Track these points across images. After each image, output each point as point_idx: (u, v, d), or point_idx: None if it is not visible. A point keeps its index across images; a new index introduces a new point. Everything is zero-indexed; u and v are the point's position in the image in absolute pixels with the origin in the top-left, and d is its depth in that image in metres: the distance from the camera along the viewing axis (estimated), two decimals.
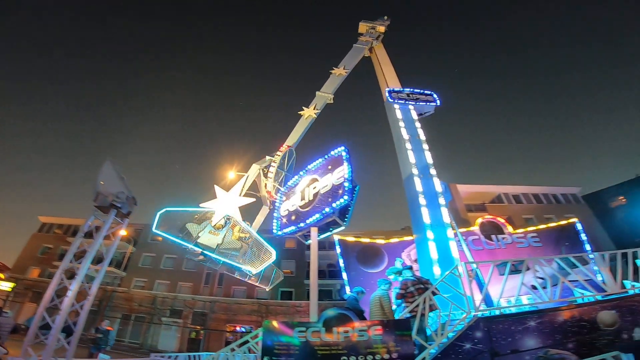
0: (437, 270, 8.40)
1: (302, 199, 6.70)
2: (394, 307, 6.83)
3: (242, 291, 27.20)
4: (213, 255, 8.31)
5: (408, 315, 5.84)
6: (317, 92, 13.10)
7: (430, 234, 9.23)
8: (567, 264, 6.73)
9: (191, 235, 8.41)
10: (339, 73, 13.61)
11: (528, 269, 6.69)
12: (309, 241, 6.36)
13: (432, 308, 5.79)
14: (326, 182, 6.32)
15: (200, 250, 8.29)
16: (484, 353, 4.99)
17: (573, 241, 12.56)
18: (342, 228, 6.26)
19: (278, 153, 12.15)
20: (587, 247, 12.44)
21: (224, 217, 8.21)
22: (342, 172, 6.05)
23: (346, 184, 5.82)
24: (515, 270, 6.52)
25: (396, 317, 6.46)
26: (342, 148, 6.56)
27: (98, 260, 6.90)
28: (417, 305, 5.67)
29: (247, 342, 6.19)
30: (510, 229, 13.27)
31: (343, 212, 6.13)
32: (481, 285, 6.92)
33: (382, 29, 15.80)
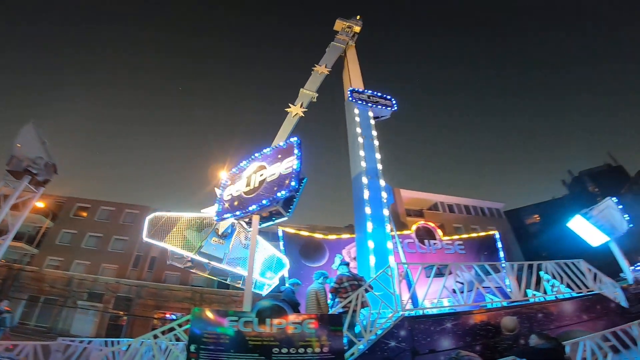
0: (373, 268, 8.76)
1: (248, 185, 6.51)
2: (329, 301, 7.00)
3: (175, 277, 25.83)
4: (221, 266, 8.03)
5: (341, 310, 6.02)
6: (301, 90, 12.69)
7: (370, 234, 9.60)
8: (483, 271, 7.44)
9: (192, 245, 7.82)
10: (322, 71, 13.44)
11: (450, 273, 7.28)
12: (250, 229, 6.21)
13: (363, 305, 6.04)
14: (274, 170, 6.21)
15: (206, 261, 7.82)
16: (406, 351, 5.26)
17: (491, 251, 13.93)
18: (285, 219, 6.21)
19: None
20: (502, 257, 13.93)
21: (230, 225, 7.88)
22: (292, 163, 6.00)
23: (294, 175, 5.77)
24: (440, 274, 7.04)
25: (330, 311, 6.63)
26: (295, 139, 6.50)
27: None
28: (350, 301, 5.86)
29: (173, 329, 5.85)
30: (441, 235, 14.32)
31: (288, 203, 6.09)
32: (410, 286, 7.37)
33: (357, 29, 16.01)
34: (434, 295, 6.80)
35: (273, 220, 6.35)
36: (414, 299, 7.53)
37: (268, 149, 7.01)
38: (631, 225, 10.71)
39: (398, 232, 12.27)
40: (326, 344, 4.56)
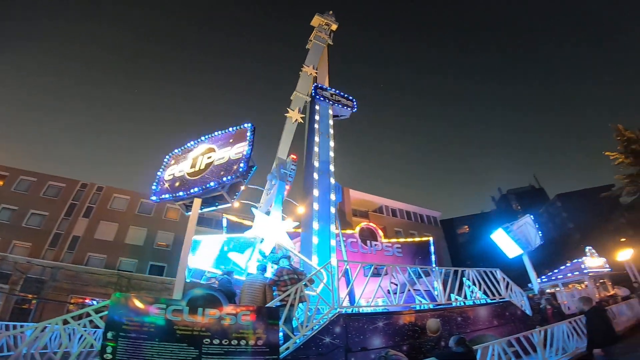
0: (315, 264, 8.84)
1: (193, 166, 6.12)
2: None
3: (100, 259, 23.56)
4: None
5: (278, 303, 5.94)
6: (295, 93, 12.38)
7: (316, 229, 9.68)
8: (416, 275, 7.91)
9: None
10: (310, 72, 13.30)
11: (386, 274, 7.59)
12: (189, 212, 5.84)
13: (302, 299, 6.02)
14: (223, 154, 5.91)
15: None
16: (339, 348, 5.34)
17: (424, 256, 14.87)
18: (229, 205, 5.97)
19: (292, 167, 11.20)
20: (433, 262, 14.97)
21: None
22: (242, 148, 5.76)
23: (243, 161, 5.55)
24: (377, 274, 7.29)
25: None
26: (249, 125, 6.27)
27: None
28: (289, 295, 5.82)
29: (88, 315, 5.27)
30: (382, 237, 14.96)
31: (234, 189, 5.85)
32: (348, 284, 7.55)
33: (334, 27, 15.94)
34: (369, 295, 7.02)
35: (216, 206, 6.05)
36: (351, 296, 7.73)
37: (219, 132, 6.67)
38: (542, 241, 12.23)
39: (342, 231, 12.56)
40: (262, 337, 4.45)
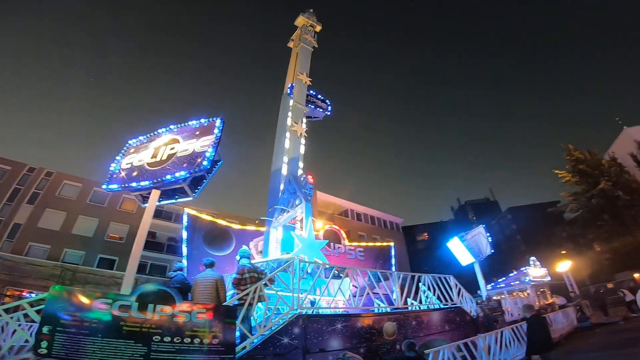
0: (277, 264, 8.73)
1: (154, 156, 5.81)
2: (229, 292, 6.67)
3: (43, 250, 21.66)
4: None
5: (236, 302, 5.80)
6: (294, 104, 12.28)
7: (280, 228, 9.60)
8: (375, 278, 8.07)
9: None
10: (305, 81, 13.18)
11: (347, 276, 7.69)
12: (146, 204, 5.54)
13: (261, 299, 5.93)
14: (188, 146, 5.67)
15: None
16: (298, 349, 5.29)
17: (385, 260, 15.31)
18: (190, 199, 5.73)
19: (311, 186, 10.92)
20: (393, 267, 15.44)
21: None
22: (209, 142, 5.57)
23: (208, 155, 5.37)
24: (338, 276, 7.36)
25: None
26: (219, 119, 6.08)
27: None
28: (248, 294, 5.70)
29: (23, 308, 4.82)
30: (346, 241, 15.17)
31: (196, 183, 5.64)
32: (309, 285, 7.54)
33: (318, 28, 15.82)
34: (329, 296, 7.08)
35: (176, 199, 5.80)
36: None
37: (185, 123, 6.40)
38: (493, 251, 13.04)
39: None
40: (218, 335, 4.37)
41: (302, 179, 10.53)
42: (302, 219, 9.32)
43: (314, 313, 6.51)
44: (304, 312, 5.92)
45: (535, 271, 16.91)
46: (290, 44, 15.38)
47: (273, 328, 5.49)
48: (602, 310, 16.41)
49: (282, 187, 10.21)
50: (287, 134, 11.31)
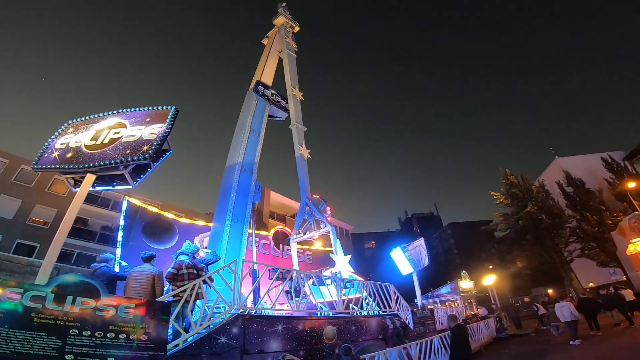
0: (222, 261, 8.48)
1: (94, 139, 5.31)
2: (166, 287, 6.32)
3: None
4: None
5: (171, 299, 5.52)
6: (296, 125, 12.66)
7: (228, 225, 9.32)
8: (319, 282, 8.19)
9: None
10: (299, 96, 13.18)
11: (292, 279, 7.70)
12: (77, 188, 5.04)
13: (199, 296, 5.71)
14: (135, 132, 5.28)
15: None
16: (235, 349, 5.18)
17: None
18: (129, 187, 5.34)
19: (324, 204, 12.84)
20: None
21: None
22: (159, 130, 5.24)
23: (156, 143, 5.06)
24: (282, 278, 7.34)
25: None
26: (173, 107, 5.77)
27: None
28: (184, 291, 5.45)
29: None
30: (296, 243, 15.16)
31: (139, 171, 5.27)
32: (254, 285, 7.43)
33: (297, 29, 15.70)
34: (273, 298, 7.04)
35: (113, 186, 5.37)
36: (255, 298, 7.61)
37: (138, 108, 5.97)
38: (429, 263, 13.92)
39: (257, 232, 12.37)
40: (148, 332, 4.19)
41: (320, 205, 12.79)
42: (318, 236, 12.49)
43: (254, 314, 6.45)
44: (245, 312, 5.83)
45: (465, 283, 18.37)
46: (264, 41, 15.14)
47: (210, 327, 5.35)
48: (514, 323, 18.31)
49: (235, 186, 9.95)
50: (246, 132, 11.08)
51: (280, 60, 14.48)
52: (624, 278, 18.88)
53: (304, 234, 12.87)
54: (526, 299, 25.80)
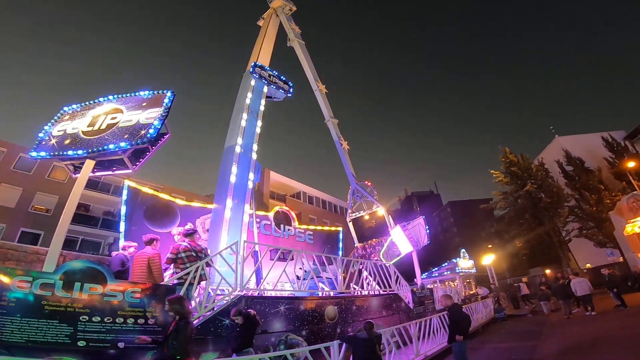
0: (224, 242, 8.56)
1: (91, 125, 5.26)
2: (169, 271, 6.41)
3: None
4: None
5: (175, 281, 5.61)
6: (331, 120, 13.41)
7: (229, 206, 9.34)
8: (321, 263, 8.28)
9: None
10: (323, 90, 13.53)
11: (292, 259, 7.78)
12: (78, 174, 5.03)
13: (202, 279, 5.80)
14: (132, 117, 5.22)
15: None
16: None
17: (333, 245, 15.73)
18: (129, 171, 5.33)
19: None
20: (340, 252, 15.98)
21: None
22: (156, 114, 5.17)
23: (154, 127, 5.00)
24: (284, 259, 7.42)
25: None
26: (169, 91, 5.67)
27: None
28: (188, 274, 5.54)
29: None
30: (296, 223, 15.28)
31: (138, 155, 5.25)
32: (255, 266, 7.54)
33: (294, 8, 15.18)
34: (275, 278, 7.13)
35: (113, 170, 5.37)
36: (257, 279, 7.74)
37: (133, 93, 5.86)
38: (429, 242, 14.09)
39: (257, 212, 12.42)
40: (155, 315, 4.30)
41: (367, 189, 15.47)
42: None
43: (258, 295, 6.57)
44: (249, 293, 5.94)
45: (464, 262, 18.63)
46: (260, 22, 14.75)
47: (214, 309, 5.45)
48: (513, 303, 18.58)
49: (234, 167, 9.92)
50: (244, 114, 10.92)
51: (277, 42, 14.27)
52: (621, 259, 19.04)
53: (358, 212, 15.91)
54: (524, 279, 26.19)
